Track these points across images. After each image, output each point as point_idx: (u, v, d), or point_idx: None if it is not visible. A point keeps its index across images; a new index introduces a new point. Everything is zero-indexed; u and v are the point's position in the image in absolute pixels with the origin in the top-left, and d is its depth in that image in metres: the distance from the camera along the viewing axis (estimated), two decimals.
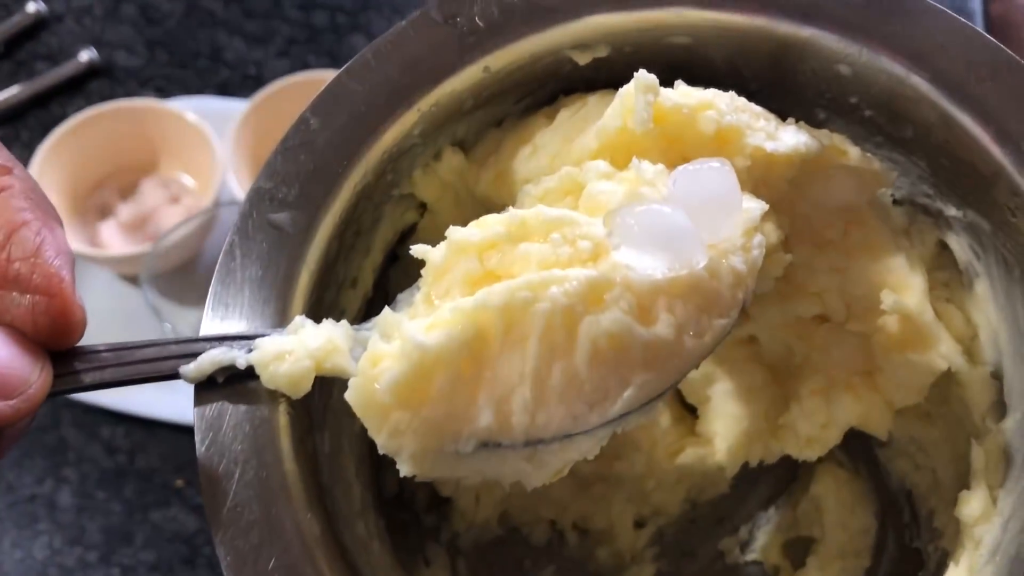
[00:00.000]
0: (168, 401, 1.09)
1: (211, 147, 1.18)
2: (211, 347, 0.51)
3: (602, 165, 0.55)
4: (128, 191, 1.24)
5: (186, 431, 1.10)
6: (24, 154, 1.21)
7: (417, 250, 0.52)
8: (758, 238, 0.52)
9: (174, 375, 0.51)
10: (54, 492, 1.07)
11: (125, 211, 1.22)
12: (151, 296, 1.12)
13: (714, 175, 0.51)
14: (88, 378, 0.49)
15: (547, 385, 0.47)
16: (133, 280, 1.19)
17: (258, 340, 0.51)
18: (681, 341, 0.48)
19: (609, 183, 0.53)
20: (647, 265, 0.49)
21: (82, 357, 0.49)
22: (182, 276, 1.18)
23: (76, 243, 1.13)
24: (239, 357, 0.51)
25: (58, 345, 0.47)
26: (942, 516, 0.68)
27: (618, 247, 0.49)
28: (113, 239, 1.20)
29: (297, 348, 0.51)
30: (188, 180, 1.25)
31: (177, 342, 0.51)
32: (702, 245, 0.50)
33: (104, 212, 1.22)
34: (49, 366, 0.47)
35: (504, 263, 0.50)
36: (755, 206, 0.53)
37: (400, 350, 0.47)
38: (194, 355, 0.50)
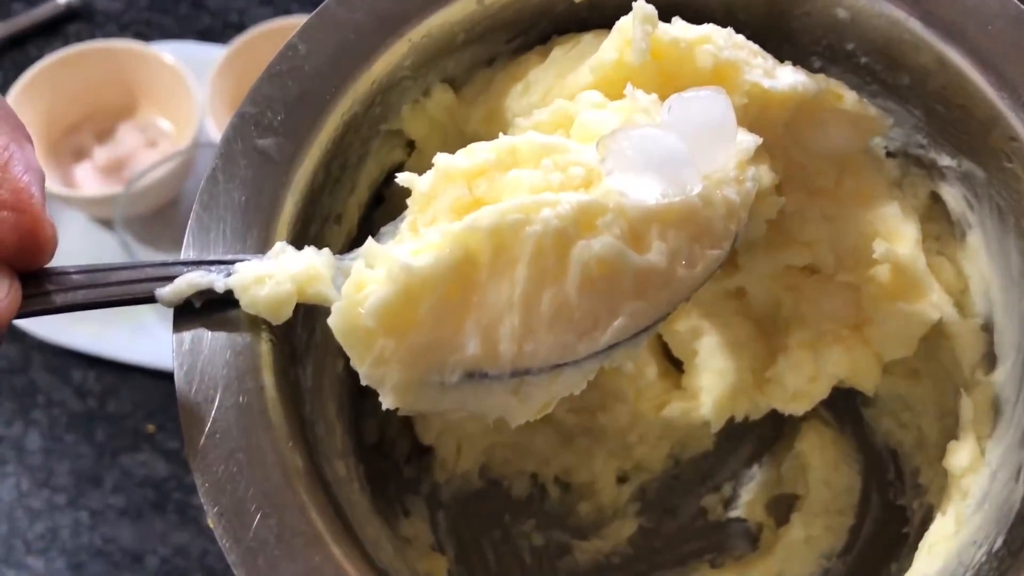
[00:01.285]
0: (142, 345, 1.08)
1: (190, 92, 1.16)
2: (188, 270, 0.49)
3: (595, 95, 0.54)
4: (105, 134, 1.22)
5: (159, 376, 1.08)
6: None
7: (403, 178, 0.50)
8: (751, 170, 0.51)
9: (149, 298, 0.49)
10: (23, 435, 1.06)
11: (101, 154, 1.19)
12: (125, 239, 1.10)
13: (709, 103, 0.50)
14: (59, 299, 0.47)
15: (536, 312, 0.46)
16: (108, 224, 1.17)
17: (237, 264, 0.50)
18: (673, 270, 0.48)
19: (602, 112, 0.52)
20: (641, 190, 0.48)
21: (53, 279, 0.47)
22: (158, 220, 1.17)
23: (50, 184, 1.11)
24: (217, 280, 0.49)
25: (27, 264, 0.45)
26: (927, 473, 0.68)
27: (611, 172, 0.48)
28: (88, 182, 1.18)
29: (278, 272, 0.49)
30: (166, 125, 1.23)
31: (153, 265, 0.49)
32: (696, 172, 0.49)
33: (80, 155, 1.20)
34: (17, 284, 0.45)
35: (493, 190, 0.49)
36: (749, 139, 0.52)
37: (386, 274, 0.46)
38: (171, 278, 0.49)
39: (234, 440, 0.48)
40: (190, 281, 0.49)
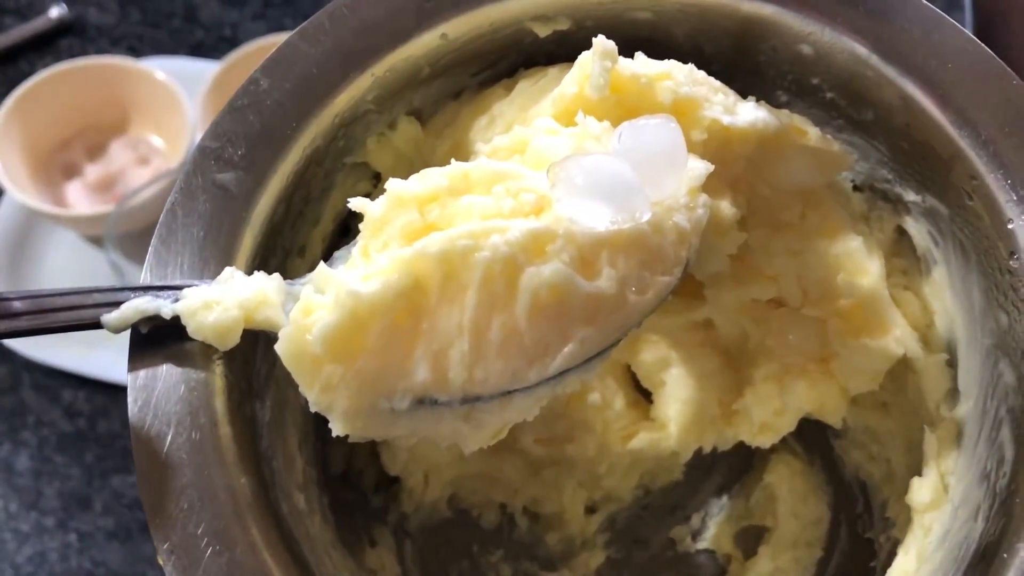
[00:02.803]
0: None
1: (182, 108, 1.16)
2: (136, 296, 0.49)
3: (548, 122, 0.54)
4: (96, 151, 1.22)
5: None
6: None
7: (355, 203, 0.51)
8: (702, 198, 0.51)
9: (95, 324, 0.49)
10: (11, 455, 1.06)
11: (92, 171, 1.20)
12: (115, 257, 1.10)
13: (660, 130, 0.51)
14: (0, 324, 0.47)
15: (485, 338, 0.46)
16: (98, 242, 1.17)
17: (185, 290, 0.50)
18: (624, 296, 0.48)
19: (555, 138, 0.52)
20: (590, 217, 0.48)
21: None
22: (148, 238, 1.15)
23: (40, 203, 1.12)
24: (164, 307, 0.49)
25: None
26: (895, 506, 0.67)
27: (561, 199, 0.48)
28: (79, 199, 1.18)
29: (225, 298, 0.49)
30: (158, 141, 1.23)
31: (101, 290, 0.50)
32: (646, 199, 0.49)
33: (71, 172, 1.20)
34: None
35: (445, 216, 0.49)
36: (700, 166, 0.52)
37: (334, 299, 0.46)
38: (119, 304, 0.49)
39: (186, 476, 0.49)
40: (136, 307, 0.49)
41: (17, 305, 0.48)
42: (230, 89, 1.17)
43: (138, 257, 1.14)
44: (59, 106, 1.19)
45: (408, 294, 0.46)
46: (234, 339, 0.50)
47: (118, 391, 1.09)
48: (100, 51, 1.30)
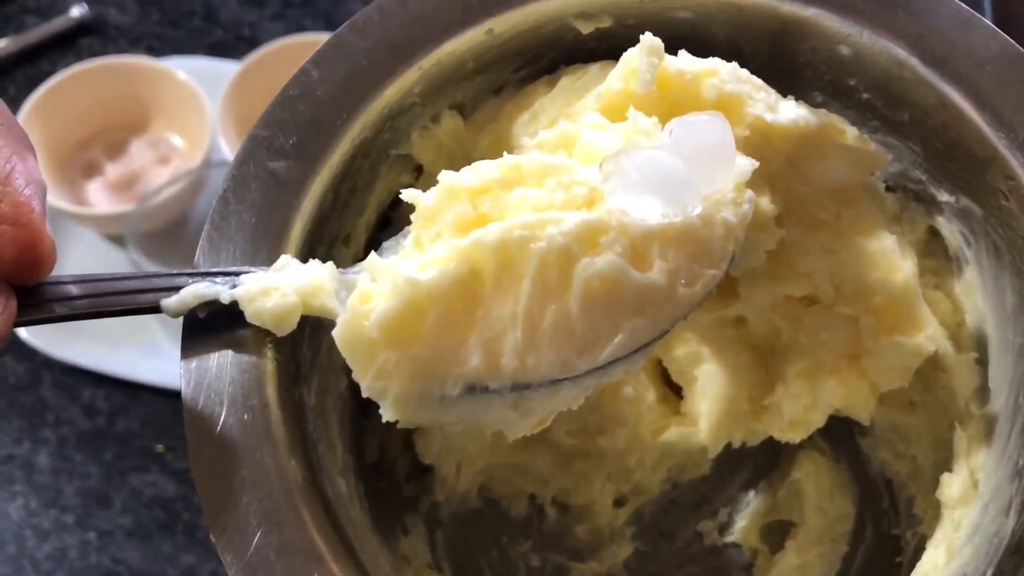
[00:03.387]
0: (151, 363, 1.09)
1: (202, 108, 1.17)
2: (194, 282, 0.50)
3: (596, 117, 0.55)
4: (116, 150, 1.23)
5: (168, 395, 1.09)
6: (11, 109, 1.19)
7: (407, 194, 0.51)
8: (748, 193, 0.52)
9: (155, 308, 0.50)
10: (31, 453, 1.06)
11: (112, 171, 1.21)
12: (136, 256, 1.11)
13: (709, 126, 0.52)
14: (60, 308, 0.48)
15: (538, 327, 0.47)
16: (119, 241, 1.18)
17: (243, 276, 0.51)
18: (673, 288, 0.49)
19: (603, 133, 0.54)
20: (642, 210, 0.49)
21: (54, 288, 0.48)
22: (168, 238, 1.18)
23: (61, 201, 1.12)
24: (223, 292, 0.50)
25: (25, 279, 0.46)
26: (921, 503, 0.68)
27: (614, 192, 0.49)
28: (99, 199, 1.19)
29: (283, 284, 0.50)
30: (178, 141, 1.24)
31: (159, 275, 0.50)
32: (697, 193, 0.50)
33: (91, 171, 1.21)
34: (13, 299, 0.45)
35: (497, 208, 0.50)
36: (747, 162, 0.53)
37: (391, 287, 0.47)
38: (176, 289, 0.50)
39: (237, 457, 0.49)
40: (196, 292, 0.50)
41: (73, 289, 0.48)
42: (250, 89, 1.19)
43: (158, 256, 1.15)
44: (79, 105, 1.19)
45: (464, 282, 0.47)
46: (292, 324, 0.50)
47: (137, 389, 1.10)
48: (120, 51, 1.31)
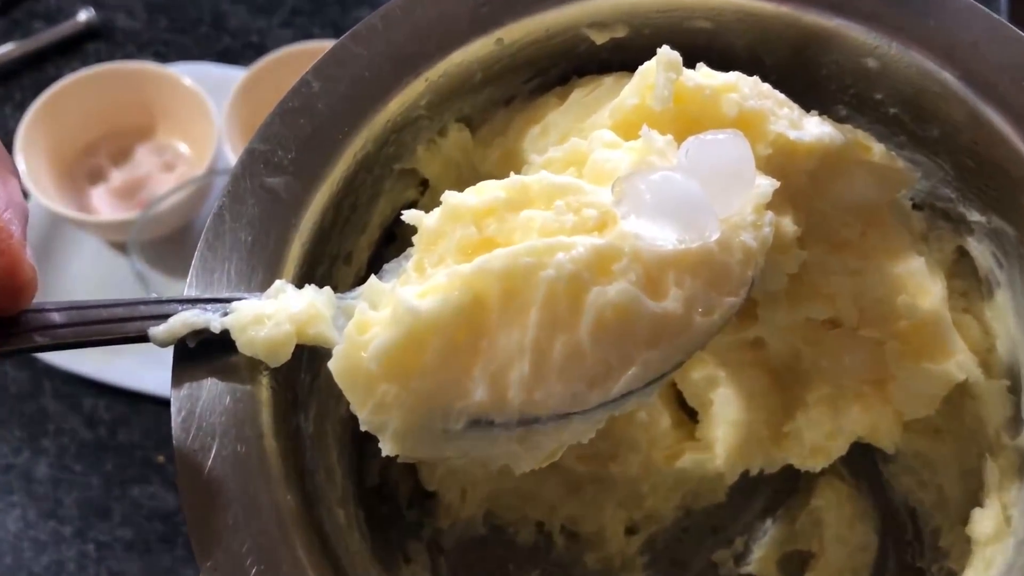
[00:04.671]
0: (153, 374, 1.07)
1: (209, 115, 1.15)
2: (184, 309, 0.48)
3: (607, 134, 0.52)
4: (121, 156, 1.21)
5: (170, 406, 1.06)
6: (16, 114, 1.18)
7: (409, 215, 0.49)
8: (769, 215, 0.49)
9: (142, 337, 0.47)
10: (31, 463, 1.04)
11: (117, 177, 1.19)
12: (138, 264, 1.09)
13: (727, 146, 0.49)
14: (42, 338, 0.45)
15: (547, 359, 0.44)
16: (122, 248, 1.16)
17: (235, 303, 0.48)
18: (690, 317, 0.46)
19: (615, 152, 0.51)
20: (657, 235, 0.46)
21: (39, 316, 0.46)
22: (172, 245, 1.16)
23: (65, 207, 1.10)
24: (214, 320, 0.48)
25: (4, 307, 0.44)
26: (948, 535, 0.65)
27: (627, 216, 0.47)
28: (103, 205, 1.17)
29: (277, 312, 0.48)
30: (184, 147, 1.22)
31: (147, 303, 0.48)
32: (715, 218, 0.47)
33: (96, 177, 1.19)
34: None
35: (503, 231, 0.47)
36: (767, 182, 0.50)
37: (391, 316, 0.45)
38: (166, 316, 0.48)
39: (230, 491, 0.47)
40: (185, 320, 0.48)
41: (56, 317, 0.46)
42: (257, 96, 1.17)
43: (162, 264, 1.13)
44: (85, 110, 1.18)
45: (468, 312, 0.45)
46: (286, 355, 0.48)
47: (139, 400, 1.08)
48: (127, 56, 1.29)
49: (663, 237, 0.47)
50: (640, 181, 0.47)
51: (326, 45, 1.20)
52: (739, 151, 0.49)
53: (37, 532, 1.01)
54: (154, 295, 1.07)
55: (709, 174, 0.48)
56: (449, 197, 0.48)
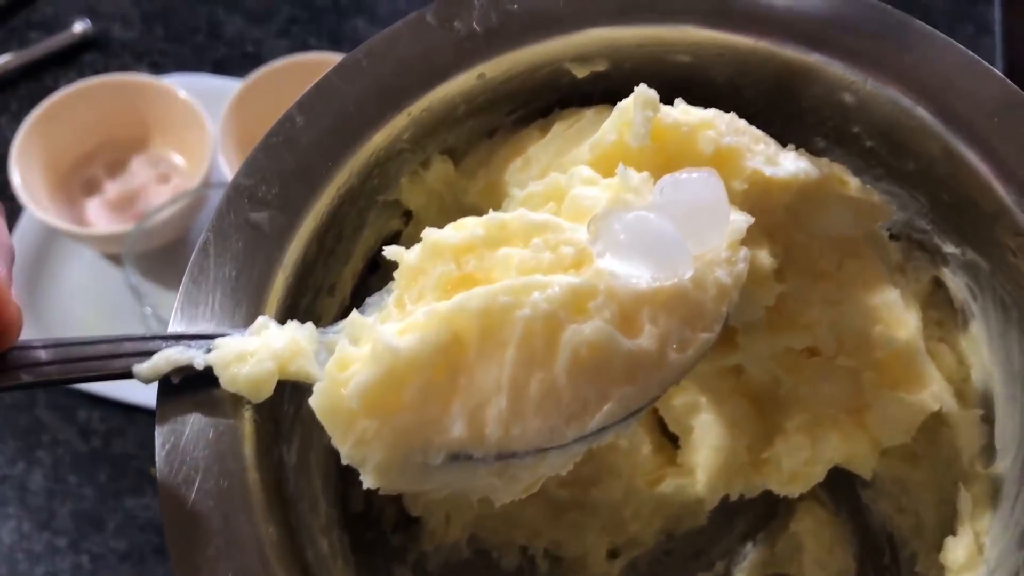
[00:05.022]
0: (145, 387, 1.07)
1: (203, 126, 1.16)
2: (168, 346, 0.49)
3: (586, 171, 0.53)
4: (116, 168, 1.22)
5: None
6: (12, 125, 1.19)
7: (390, 251, 0.50)
8: (743, 251, 0.50)
9: (127, 374, 0.49)
10: (25, 474, 1.05)
11: (112, 188, 1.19)
12: (132, 277, 1.10)
13: (702, 185, 0.50)
14: (27, 375, 0.46)
15: (524, 396, 0.45)
16: (117, 259, 1.16)
17: (218, 340, 0.49)
18: (664, 354, 0.47)
19: (593, 189, 0.52)
20: (632, 274, 0.47)
21: (24, 354, 0.47)
22: (167, 258, 1.17)
23: (59, 220, 1.11)
24: (197, 357, 0.49)
25: None
26: (924, 560, 0.66)
27: (602, 254, 0.48)
28: (98, 217, 1.18)
29: (260, 349, 0.49)
30: (179, 159, 1.23)
31: (132, 339, 0.49)
32: (689, 255, 0.48)
33: (91, 188, 1.20)
34: None
35: (482, 267, 0.48)
36: (741, 219, 0.51)
37: (371, 354, 0.46)
38: (150, 353, 0.48)
39: (213, 524, 0.48)
40: (168, 357, 0.49)
41: (42, 354, 0.47)
42: (253, 107, 1.18)
43: (156, 277, 1.14)
44: (81, 122, 1.18)
45: (446, 350, 0.46)
46: (268, 391, 0.49)
47: (133, 411, 1.09)
48: (123, 66, 1.30)
49: (637, 275, 0.47)
50: (615, 220, 0.48)
51: (319, 56, 1.22)
52: (713, 190, 0.50)
53: (32, 543, 1.02)
54: (148, 308, 1.08)
55: (683, 212, 0.49)
56: (429, 234, 0.49)
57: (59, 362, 0.47)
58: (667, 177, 0.50)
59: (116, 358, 0.48)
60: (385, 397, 0.46)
